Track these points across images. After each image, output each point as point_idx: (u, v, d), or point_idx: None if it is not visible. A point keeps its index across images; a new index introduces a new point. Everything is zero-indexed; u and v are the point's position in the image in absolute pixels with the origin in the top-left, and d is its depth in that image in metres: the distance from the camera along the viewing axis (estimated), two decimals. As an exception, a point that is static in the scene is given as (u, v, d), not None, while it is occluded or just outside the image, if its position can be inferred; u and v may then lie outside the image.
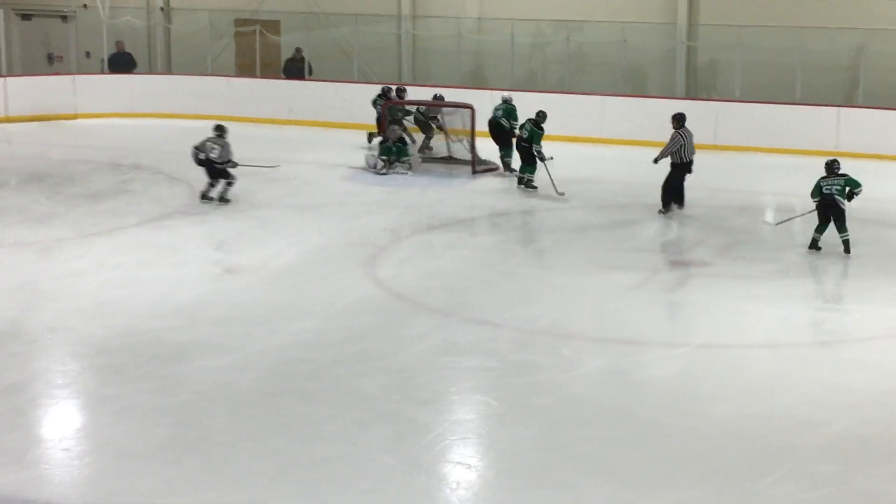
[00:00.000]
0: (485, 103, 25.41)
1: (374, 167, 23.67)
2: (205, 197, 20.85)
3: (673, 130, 20.86)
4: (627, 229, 19.92)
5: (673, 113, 21.21)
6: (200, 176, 22.26)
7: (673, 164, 20.82)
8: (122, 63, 31.32)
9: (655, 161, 20.84)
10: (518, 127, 22.93)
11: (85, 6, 32.74)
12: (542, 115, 22.25)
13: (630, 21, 28.74)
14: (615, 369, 13.57)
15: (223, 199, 20.70)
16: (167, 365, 13.43)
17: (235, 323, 14.84)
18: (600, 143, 26.81)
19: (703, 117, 26.44)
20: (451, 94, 26.42)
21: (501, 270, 17.36)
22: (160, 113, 29.82)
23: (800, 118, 26.10)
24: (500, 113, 23.87)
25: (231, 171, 20.83)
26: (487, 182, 23.25)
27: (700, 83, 29.17)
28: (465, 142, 24.38)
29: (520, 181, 22.61)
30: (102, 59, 31.71)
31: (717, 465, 11.05)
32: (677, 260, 17.80)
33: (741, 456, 11.23)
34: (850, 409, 12.35)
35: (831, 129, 25.90)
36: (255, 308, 15.52)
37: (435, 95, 26.10)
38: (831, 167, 18.11)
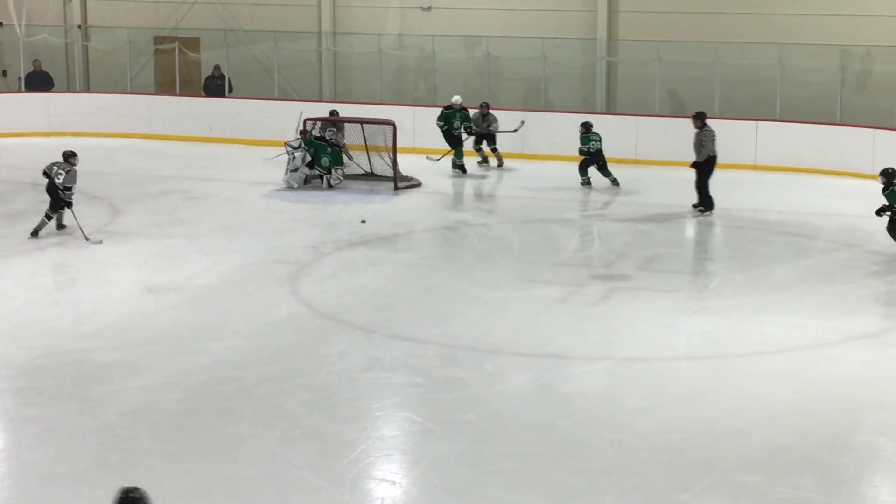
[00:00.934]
0: (406, 119, 25.44)
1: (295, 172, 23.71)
2: (35, 234, 19.67)
3: (696, 129, 21.92)
4: (551, 244, 20.00)
5: (696, 112, 22.54)
6: (123, 194, 22.13)
7: (699, 163, 21.71)
8: (39, 81, 31.05)
9: (695, 165, 21.89)
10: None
11: (1, 24, 32.42)
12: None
13: (550, 37, 28.87)
14: (540, 384, 13.61)
15: (61, 226, 19.95)
16: (90, 386, 13.32)
17: (159, 343, 14.74)
18: (521, 158, 26.89)
19: (623, 132, 26.73)
20: (373, 111, 26.44)
21: (425, 286, 17.38)
22: (79, 132, 29.56)
23: (719, 132, 26.32)
24: (456, 123, 25.68)
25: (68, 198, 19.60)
26: (410, 198, 23.27)
27: (620, 98, 29.35)
28: (386, 157, 24.38)
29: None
30: (19, 78, 31.43)
31: (641, 478, 11.11)
32: (601, 274, 17.88)
33: (664, 468, 11.30)
34: (771, 420, 12.46)
35: (749, 142, 26.16)
36: (179, 327, 15.43)
37: (331, 112, 26.13)
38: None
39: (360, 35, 30.75)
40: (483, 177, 25.06)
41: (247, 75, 31.25)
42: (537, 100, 28.62)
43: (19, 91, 31.11)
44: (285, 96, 30.03)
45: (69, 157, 19.92)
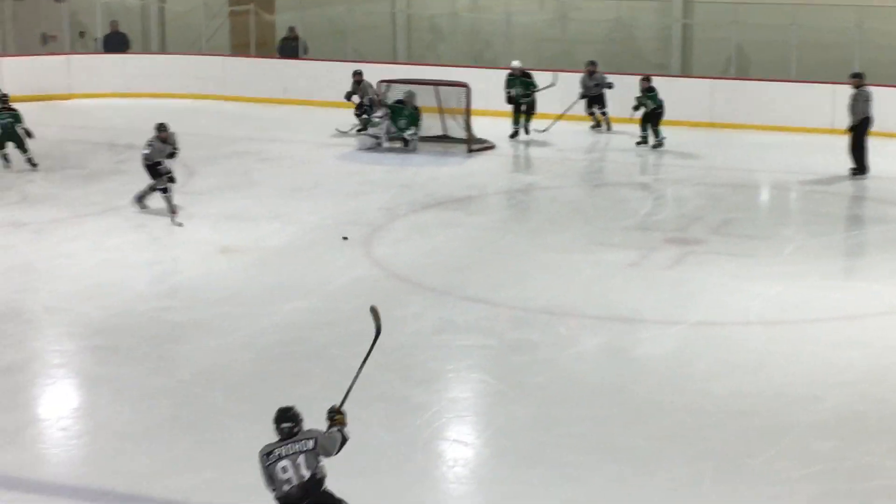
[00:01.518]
0: (479, 82, 25.38)
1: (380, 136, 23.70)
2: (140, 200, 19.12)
3: (854, 90, 21.73)
4: (622, 207, 19.92)
5: (852, 71, 22.37)
6: (197, 156, 22.30)
7: (857, 123, 21.56)
8: (116, 43, 31.23)
9: (850, 128, 21.63)
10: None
11: (79, -15, 32.66)
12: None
13: (626, -1, 28.72)
14: (611, 347, 13.60)
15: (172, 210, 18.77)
16: (164, 345, 13.47)
17: (232, 303, 14.86)
18: (600, 121, 26.72)
19: (698, 95, 26.51)
20: (446, 73, 26.37)
21: (497, 249, 17.37)
22: (154, 93, 29.74)
23: (795, 95, 26.04)
24: (516, 88, 25.12)
25: (161, 174, 18.73)
26: (483, 161, 23.23)
27: (695, 60, 29.10)
28: (459, 120, 24.35)
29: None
30: (96, 39, 31.62)
31: (712, 443, 11.08)
32: (673, 238, 17.78)
33: (736, 433, 11.27)
34: (844, 385, 12.37)
35: (827, 106, 25.85)
36: (252, 288, 15.54)
37: (355, 72, 25.92)
38: None
39: (435, -3, 30.73)
40: (553, 140, 24.90)
41: (321, 37, 31.29)
42: (611, 62, 28.41)
43: (97, 52, 31.31)
44: (359, 58, 30.01)
45: (157, 129, 19.06)
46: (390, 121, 23.77)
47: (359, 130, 24.74)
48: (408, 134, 23.61)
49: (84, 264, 16.53)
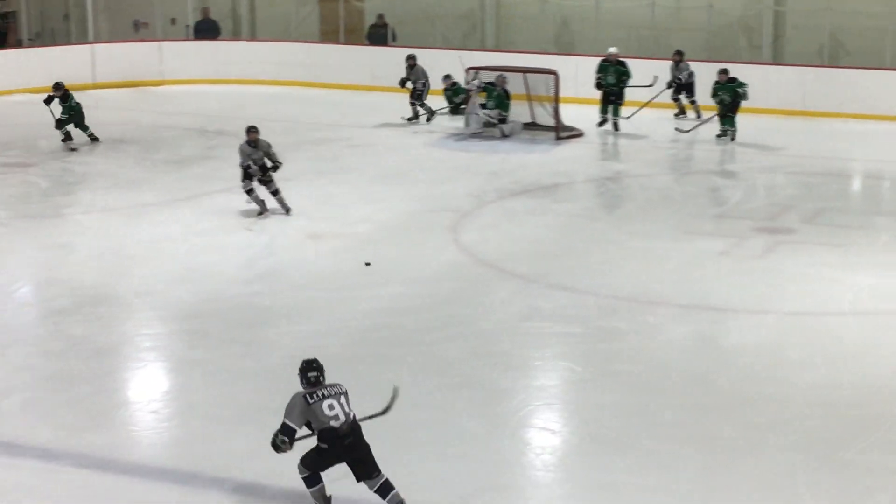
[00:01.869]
0: (568, 69, 25.28)
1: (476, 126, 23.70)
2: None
3: None
4: (713, 195, 19.77)
5: None
6: (286, 141, 22.42)
7: None
8: (207, 29, 31.50)
9: None
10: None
11: (171, -28, 32.96)
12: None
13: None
14: (700, 336, 13.50)
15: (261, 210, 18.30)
16: (254, 330, 13.55)
17: (321, 288, 14.93)
18: (687, 109, 26.54)
19: (790, 83, 26.25)
20: (535, 60, 26.29)
21: (585, 237, 17.30)
22: (245, 79, 29.96)
23: (889, 83, 25.66)
24: (609, 77, 24.58)
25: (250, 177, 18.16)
26: (571, 148, 23.14)
27: (787, 48, 28.80)
28: (548, 107, 24.28)
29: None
30: (188, 26, 31.91)
31: (803, 434, 10.96)
32: (765, 226, 17.60)
33: (828, 424, 11.13)
34: (940, 377, 12.20)
35: (922, 94, 25.53)
36: (340, 274, 15.59)
37: (408, 56, 25.98)
38: None
39: (524, -16, 30.63)
40: (642, 129, 24.76)
41: (410, 24, 31.33)
42: (702, 49, 28.18)
43: (188, 39, 31.58)
44: (448, 45, 30.01)
45: (246, 131, 18.52)
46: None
47: (428, 118, 24.82)
48: (493, 114, 23.52)
49: (175, 249, 16.68)
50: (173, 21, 32.90)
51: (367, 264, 14.91)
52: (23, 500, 9.92)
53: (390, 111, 26.60)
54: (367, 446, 9.53)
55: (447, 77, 25.94)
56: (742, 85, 23.14)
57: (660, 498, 9.94)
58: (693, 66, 25.73)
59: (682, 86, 25.32)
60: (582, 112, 24.73)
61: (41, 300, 14.90)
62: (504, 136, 23.61)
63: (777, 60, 28.30)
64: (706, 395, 11.86)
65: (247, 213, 18.16)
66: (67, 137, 22.62)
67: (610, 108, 24.67)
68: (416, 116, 25.15)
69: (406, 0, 31.31)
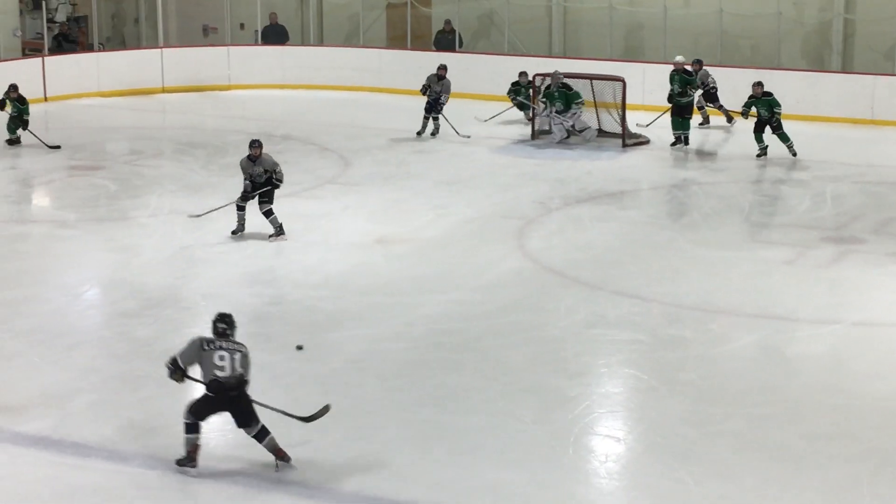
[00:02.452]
0: (635, 76, 25.19)
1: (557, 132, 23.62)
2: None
3: None
4: (780, 204, 19.65)
5: None
6: (353, 146, 22.55)
7: None
8: (274, 35, 31.65)
9: None
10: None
11: (239, -22, 33.16)
12: None
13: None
14: (765, 346, 13.43)
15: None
16: (318, 333, 13.60)
17: (385, 293, 14.96)
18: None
19: (859, 92, 26.01)
20: (602, 67, 26.22)
21: (651, 244, 17.23)
22: (312, 85, 30.07)
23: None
24: (674, 86, 23.76)
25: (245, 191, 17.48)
26: (638, 155, 23.07)
27: (857, 57, 28.55)
28: (615, 114, 24.21)
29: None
30: (256, 31, 32.07)
31: (871, 444, 10.88)
32: (832, 236, 17.47)
33: (894, 436, 11.03)
34: None
35: None
36: (405, 279, 15.63)
37: (439, 66, 25.43)
38: None
39: (591, -10, 30.53)
40: (710, 137, 24.64)
41: (476, 31, 31.34)
42: (770, 58, 28.01)
43: (256, 44, 31.77)
44: (514, 52, 30.00)
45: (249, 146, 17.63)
46: (551, 108, 23.62)
47: (432, 133, 24.46)
48: (567, 120, 23.38)
49: (240, 252, 16.76)
50: (242, 26, 33.09)
51: (300, 348, 13.24)
52: (90, 500, 10.02)
53: (457, 117, 26.59)
54: (249, 402, 10.45)
55: (523, 74, 25.64)
56: (777, 104, 22.41)
57: (724, 507, 9.91)
58: (760, 73, 25.51)
59: (706, 94, 25.00)
60: (649, 119, 24.61)
61: (108, 302, 15.03)
62: (586, 141, 23.47)
63: (846, 69, 28.06)
64: (771, 404, 11.79)
65: (311, 218, 18.24)
66: (15, 141, 22.84)
67: (680, 121, 23.68)
68: (434, 130, 24.45)
69: (473, 6, 31.34)
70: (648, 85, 25.57)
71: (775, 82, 24.31)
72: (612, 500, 10.28)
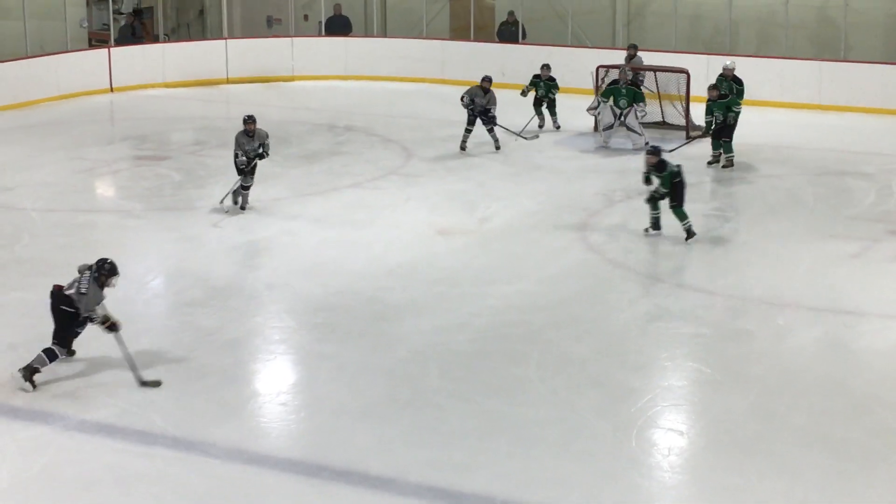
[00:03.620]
0: (700, 68, 25.06)
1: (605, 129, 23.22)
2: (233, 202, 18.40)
3: None
4: (846, 197, 19.47)
5: None
6: (415, 137, 22.57)
7: None
8: (338, 26, 31.71)
9: None
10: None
11: (303, -30, 33.26)
12: None
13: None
14: (831, 339, 13.34)
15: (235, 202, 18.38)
16: (381, 324, 13.64)
17: (448, 284, 14.99)
18: (818, 110, 26.19)
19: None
20: (666, 59, 26.10)
21: (715, 237, 17.15)
22: (375, 76, 30.12)
23: None
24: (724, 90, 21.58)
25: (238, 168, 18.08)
26: (701, 148, 22.92)
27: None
28: (679, 106, 24.08)
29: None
30: (320, 22, 32.15)
31: (938, 440, 10.79)
32: (899, 229, 17.35)
33: (963, 431, 10.96)
34: None
35: None
36: (468, 270, 15.65)
37: (483, 78, 23.25)
38: None
39: (656, -19, 30.39)
40: (774, 128, 24.47)
41: (540, 21, 31.26)
42: (837, 49, 27.78)
43: (320, 35, 31.84)
44: (578, 43, 29.92)
45: (243, 121, 18.20)
46: (615, 104, 23.28)
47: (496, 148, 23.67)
48: (634, 112, 22.73)
49: (305, 243, 16.84)
50: (306, 17, 33.18)
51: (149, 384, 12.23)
52: (154, 487, 10.10)
53: (519, 108, 26.53)
54: (59, 321, 11.97)
55: (546, 66, 24.77)
56: (736, 102, 21.20)
57: (788, 503, 9.85)
58: (826, 66, 25.20)
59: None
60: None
61: (173, 292, 15.13)
62: (633, 145, 22.84)
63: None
64: (837, 398, 11.72)
65: (374, 209, 18.30)
66: None
67: (720, 143, 21.43)
68: (496, 145, 23.62)
69: (537, -3, 31.28)
70: (712, 77, 25.37)
71: (845, 76, 24.10)
72: (675, 494, 10.25)
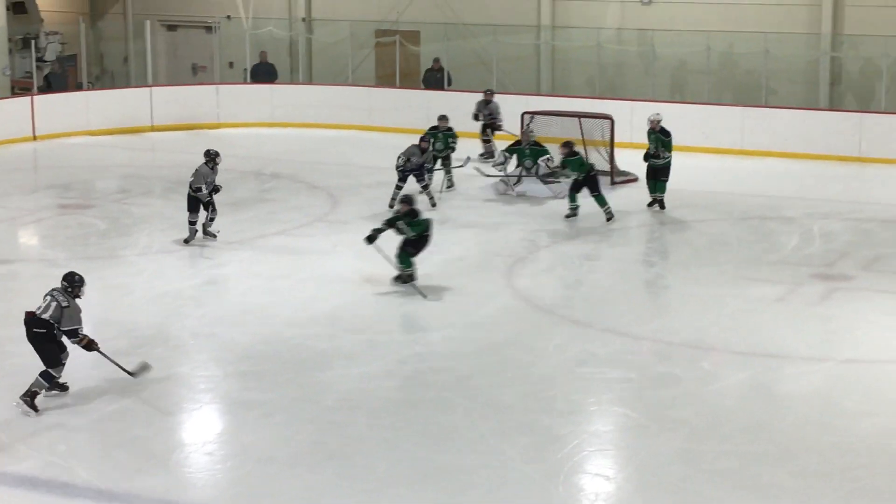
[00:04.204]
0: (623, 114, 25.26)
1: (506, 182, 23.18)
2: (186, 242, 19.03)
3: None
4: (769, 241, 19.66)
5: None
6: (342, 184, 22.53)
7: None
8: (263, 73, 31.72)
9: None
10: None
11: (228, 17, 33.21)
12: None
13: (773, 31, 28.30)
14: (756, 383, 13.43)
15: (207, 232, 19.13)
16: (309, 372, 13.59)
17: (375, 331, 14.96)
18: (741, 155, 26.48)
19: (847, 129, 26.12)
20: (590, 105, 26.30)
21: (640, 282, 17.28)
22: (301, 123, 30.11)
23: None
24: (652, 147, 21.56)
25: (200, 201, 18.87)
26: (626, 193, 23.08)
27: (844, 94, 28.68)
28: (603, 152, 24.24)
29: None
30: (245, 70, 32.15)
31: (862, 483, 10.88)
32: (821, 273, 17.50)
33: (887, 473, 11.05)
34: None
35: None
36: (395, 317, 15.65)
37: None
38: None
39: (579, 29, 30.61)
40: (697, 174, 24.69)
41: (465, 68, 31.41)
42: (758, 96, 28.12)
43: (245, 82, 31.82)
44: (503, 90, 30.06)
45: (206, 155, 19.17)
46: (519, 163, 23.20)
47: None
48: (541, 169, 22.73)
49: (231, 290, 16.78)
50: (231, 64, 33.18)
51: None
52: (78, 540, 9.98)
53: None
54: (56, 346, 12.40)
55: (443, 118, 24.63)
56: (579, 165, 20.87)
57: (716, 546, 9.89)
58: (750, 111, 25.57)
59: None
60: (636, 157, 24.63)
61: (98, 341, 14.94)
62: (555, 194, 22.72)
63: (834, 106, 28.14)
64: (762, 442, 11.78)
65: (301, 255, 18.26)
66: None
67: (657, 184, 21.64)
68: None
69: (462, 45, 31.42)
70: (637, 122, 25.58)
71: (767, 121, 24.40)
72: (603, 539, 10.26)
